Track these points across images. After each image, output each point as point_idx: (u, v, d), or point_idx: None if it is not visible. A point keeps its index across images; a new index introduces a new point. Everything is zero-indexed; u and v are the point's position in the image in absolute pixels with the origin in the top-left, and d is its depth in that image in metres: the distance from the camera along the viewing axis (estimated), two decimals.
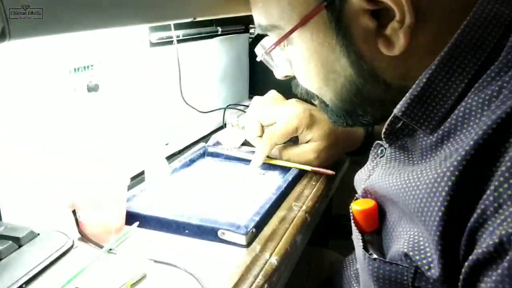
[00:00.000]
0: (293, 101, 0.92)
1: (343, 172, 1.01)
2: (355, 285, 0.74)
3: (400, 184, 0.50)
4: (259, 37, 1.36)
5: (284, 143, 0.94)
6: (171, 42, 0.92)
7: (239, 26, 1.21)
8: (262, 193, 0.84)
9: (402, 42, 0.49)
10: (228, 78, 1.21)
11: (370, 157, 0.63)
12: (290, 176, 0.88)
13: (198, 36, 1.00)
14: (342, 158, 1.00)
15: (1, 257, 0.49)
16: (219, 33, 1.09)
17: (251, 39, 1.32)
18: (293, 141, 0.95)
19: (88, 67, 0.74)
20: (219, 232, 0.69)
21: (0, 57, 0.58)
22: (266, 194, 0.83)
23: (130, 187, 0.71)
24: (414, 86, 0.50)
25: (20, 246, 0.51)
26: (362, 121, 0.61)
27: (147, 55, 0.87)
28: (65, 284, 0.57)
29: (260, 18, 0.59)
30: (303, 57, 0.57)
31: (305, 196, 0.85)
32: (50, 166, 0.68)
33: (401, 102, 0.51)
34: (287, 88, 0.88)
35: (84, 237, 0.68)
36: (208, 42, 1.08)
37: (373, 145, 0.63)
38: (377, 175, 0.57)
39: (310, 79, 0.59)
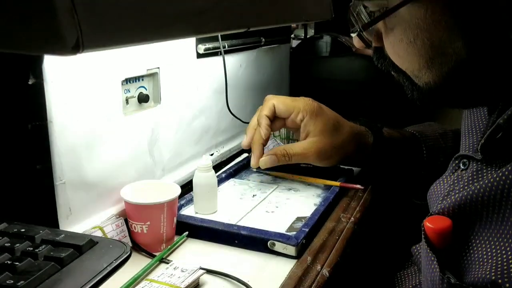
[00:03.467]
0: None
1: None
2: None
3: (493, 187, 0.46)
4: (301, 47, 1.35)
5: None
6: (217, 53, 0.92)
7: (281, 36, 1.21)
8: (309, 205, 0.83)
9: None
10: (270, 88, 1.21)
11: (450, 168, 0.59)
12: (336, 188, 0.87)
13: (243, 46, 1.01)
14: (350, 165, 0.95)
15: (64, 264, 0.50)
16: (263, 43, 1.09)
17: (291, 50, 1.32)
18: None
19: (138, 78, 0.76)
20: (269, 243, 0.68)
21: (62, 67, 0.59)
22: (313, 206, 0.82)
23: (179, 197, 0.71)
24: None
25: (81, 254, 0.52)
26: (451, 103, 0.55)
27: (194, 65, 0.87)
28: None
29: None
30: (407, 34, 0.51)
31: (353, 208, 0.84)
32: (105, 175, 0.69)
33: (508, 111, 0.47)
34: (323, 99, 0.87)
35: (136, 246, 0.69)
36: (252, 52, 1.08)
37: (454, 157, 0.58)
38: (462, 193, 0.52)
39: (410, 58, 0.52)
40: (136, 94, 0.76)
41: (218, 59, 0.93)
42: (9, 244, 0.52)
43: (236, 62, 1.02)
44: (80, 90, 0.63)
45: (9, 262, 0.49)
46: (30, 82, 0.57)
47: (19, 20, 0.36)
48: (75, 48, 0.35)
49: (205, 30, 0.50)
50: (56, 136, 0.60)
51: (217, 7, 0.50)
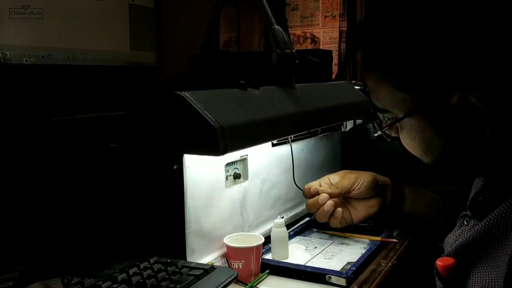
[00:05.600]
0: None
1: None
2: None
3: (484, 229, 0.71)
4: (351, 132, 1.68)
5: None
6: (285, 142, 1.26)
7: (334, 126, 1.54)
8: (357, 254, 1.11)
9: (489, 132, 0.66)
10: (326, 166, 1.52)
11: (457, 224, 0.83)
12: (377, 242, 1.15)
13: (304, 136, 1.34)
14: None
15: (199, 278, 0.81)
16: (319, 132, 1.42)
17: (343, 134, 1.64)
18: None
19: (234, 162, 1.10)
20: (327, 277, 0.97)
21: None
22: (360, 255, 1.10)
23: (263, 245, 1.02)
24: (496, 167, 0.68)
25: (207, 274, 0.83)
26: (449, 177, 0.82)
27: (270, 152, 1.21)
28: None
29: (377, 102, 0.76)
30: (410, 134, 0.73)
31: (391, 256, 1.11)
32: (214, 228, 1.01)
33: (484, 182, 0.71)
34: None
35: None
36: (311, 140, 1.41)
37: (460, 215, 0.82)
38: (460, 241, 0.76)
39: (413, 148, 0.75)
40: (232, 173, 1.09)
41: (286, 147, 1.26)
42: (163, 267, 0.85)
43: (299, 148, 1.35)
44: (201, 171, 0.97)
45: (167, 276, 0.82)
46: (174, 167, 0.91)
47: (194, 138, 0.71)
48: (224, 152, 0.69)
49: (283, 135, 0.84)
50: (188, 201, 0.93)
51: (292, 125, 0.83)
